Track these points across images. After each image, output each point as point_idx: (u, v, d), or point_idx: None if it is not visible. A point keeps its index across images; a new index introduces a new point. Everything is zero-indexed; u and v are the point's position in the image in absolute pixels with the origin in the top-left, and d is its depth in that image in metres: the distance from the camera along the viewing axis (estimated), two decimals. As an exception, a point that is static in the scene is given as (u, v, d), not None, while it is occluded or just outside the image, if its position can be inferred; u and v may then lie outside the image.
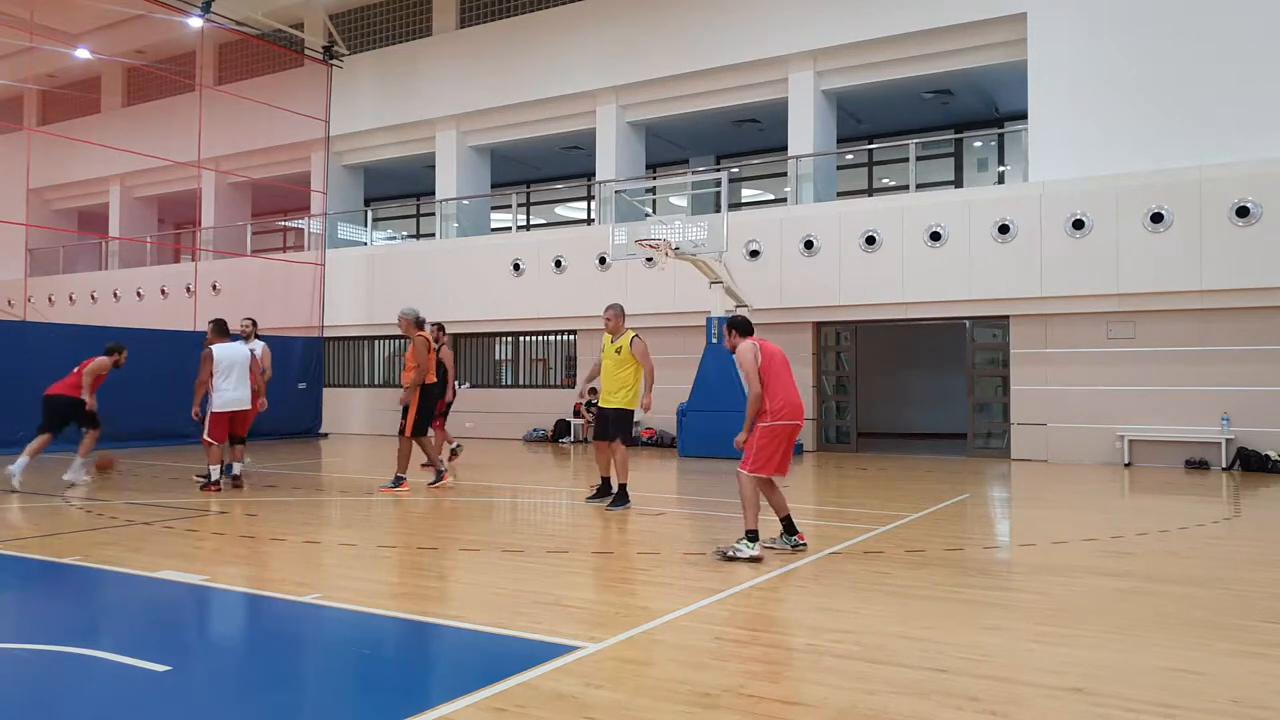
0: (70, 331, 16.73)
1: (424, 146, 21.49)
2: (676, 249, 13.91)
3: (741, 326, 6.83)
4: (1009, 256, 14.25)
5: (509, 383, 19.97)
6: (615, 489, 8.83)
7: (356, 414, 20.78)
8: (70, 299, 25.59)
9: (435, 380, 10.24)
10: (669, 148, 20.94)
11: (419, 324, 10.11)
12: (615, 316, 9.01)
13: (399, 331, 19.51)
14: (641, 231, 14.28)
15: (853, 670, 3.88)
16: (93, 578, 5.83)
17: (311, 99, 21.70)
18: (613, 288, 17.49)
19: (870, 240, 15.28)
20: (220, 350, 9.80)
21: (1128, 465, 13.41)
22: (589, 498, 9.19)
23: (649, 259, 14.75)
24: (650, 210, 17.55)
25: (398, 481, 9.86)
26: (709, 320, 14.58)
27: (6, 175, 24.39)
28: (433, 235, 22.17)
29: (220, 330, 9.97)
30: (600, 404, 8.95)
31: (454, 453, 13.12)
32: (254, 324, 11.42)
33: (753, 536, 6.23)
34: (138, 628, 4.90)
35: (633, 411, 8.80)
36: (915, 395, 19.83)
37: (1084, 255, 13.72)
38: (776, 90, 17.41)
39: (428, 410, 10.03)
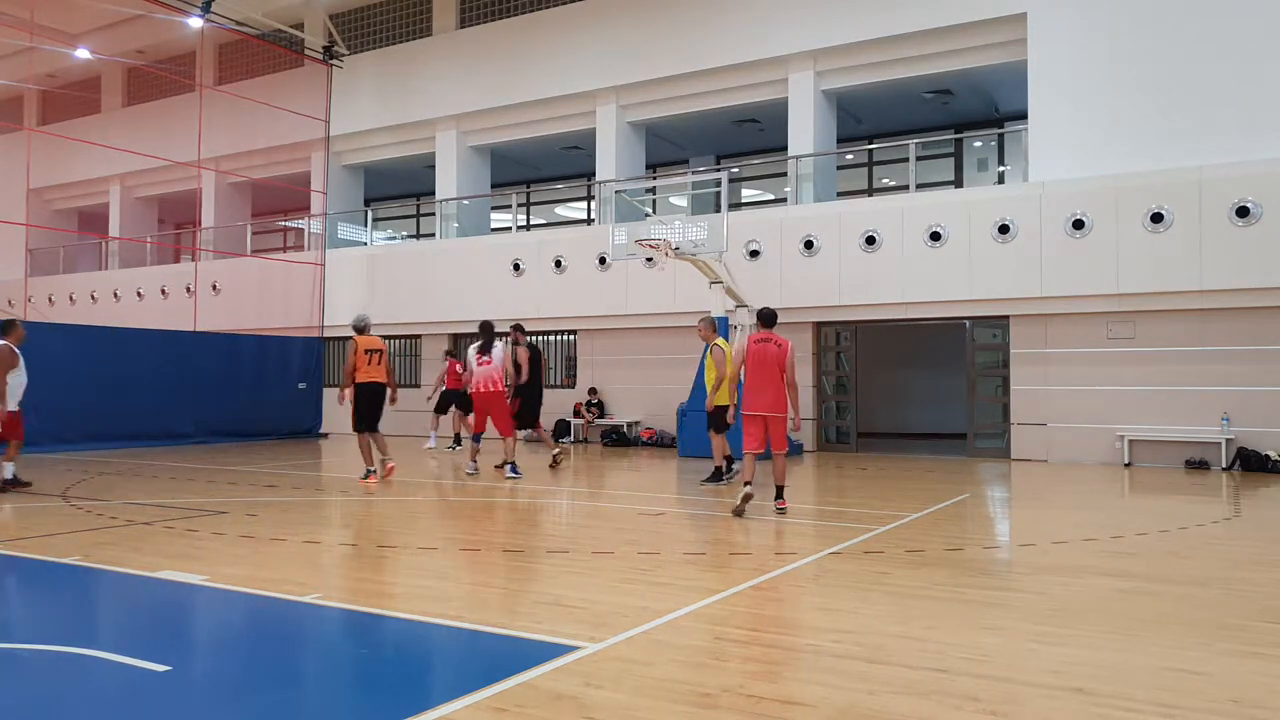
0: (70, 331, 16.74)
1: (424, 146, 21.48)
2: (676, 249, 13.90)
3: (763, 319, 8.57)
4: (1009, 256, 14.25)
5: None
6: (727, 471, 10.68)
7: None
8: (70, 299, 25.58)
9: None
10: (669, 148, 20.94)
11: (358, 329, 11.20)
12: (704, 327, 10.81)
13: (400, 332, 19.72)
14: (641, 231, 14.26)
15: (853, 670, 3.88)
16: (93, 578, 5.83)
17: (311, 99, 21.70)
18: (613, 288, 17.52)
19: (870, 240, 15.28)
20: None
21: (1128, 465, 13.41)
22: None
23: (649, 259, 14.73)
24: (650, 210, 17.54)
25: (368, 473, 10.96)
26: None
27: (6, 175, 24.40)
28: (433, 235, 22.16)
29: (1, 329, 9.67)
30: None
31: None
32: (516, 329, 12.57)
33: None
34: (138, 628, 4.90)
35: (724, 407, 10.04)
36: (915, 395, 19.82)
37: (1084, 255, 13.72)
38: (776, 90, 17.41)
39: (362, 407, 11.00)
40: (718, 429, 10.49)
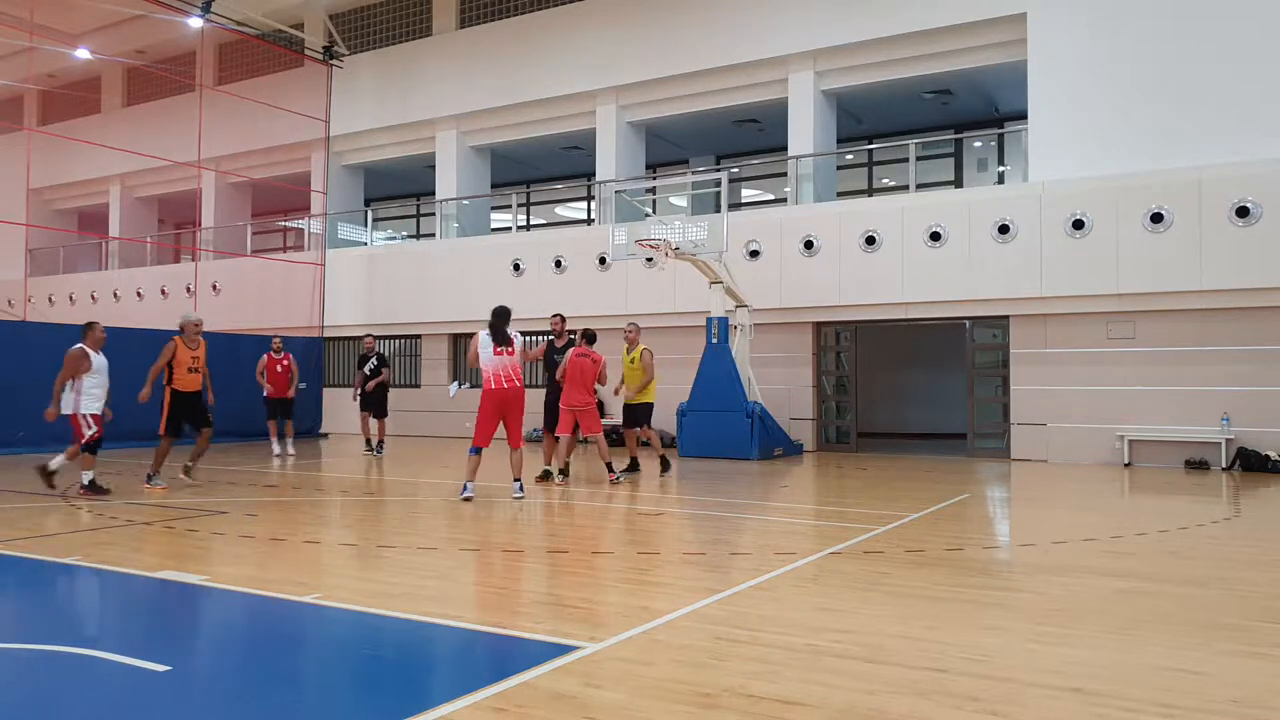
0: (70, 332, 16.69)
1: (424, 146, 21.49)
2: (676, 249, 13.90)
3: (586, 337, 10.91)
4: (1009, 256, 14.25)
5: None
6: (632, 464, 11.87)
7: (357, 414, 20.71)
8: (70, 299, 25.58)
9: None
10: (669, 148, 20.94)
11: (182, 329, 10.57)
12: (634, 331, 12.00)
13: (400, 332, 19.71)
14: (641, 231, 14.27)
15: (853, 670, 3.88)
16: (93, 578, 5.83)
17: (311, 99, 21.70)
18: (613, 288, 17.52)
19: (870, 240, 15.28)
20: None
21: (1128, 465, 13.41)
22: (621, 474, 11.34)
23: (649, 259, 14.74)
24: (650, 210, 17.54)
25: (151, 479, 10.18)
26: (709, 320, 14.57)
27: (6, 175, 24.38)
28: (433, 235, 22.17)
29: None
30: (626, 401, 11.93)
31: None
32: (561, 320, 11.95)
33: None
34: (138, 628, 4.90)
35: (650, 404, 11.98)
36: (915, 395, 19.82)
37: (1084, 255, 13.72)
38: (776, 90, 17.41)
39: (175, 412, 10.37)
40: (637, 423, 11.88)
